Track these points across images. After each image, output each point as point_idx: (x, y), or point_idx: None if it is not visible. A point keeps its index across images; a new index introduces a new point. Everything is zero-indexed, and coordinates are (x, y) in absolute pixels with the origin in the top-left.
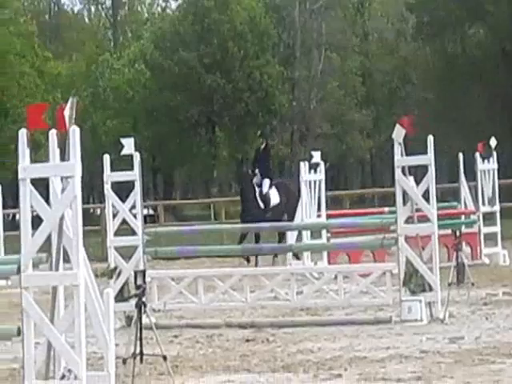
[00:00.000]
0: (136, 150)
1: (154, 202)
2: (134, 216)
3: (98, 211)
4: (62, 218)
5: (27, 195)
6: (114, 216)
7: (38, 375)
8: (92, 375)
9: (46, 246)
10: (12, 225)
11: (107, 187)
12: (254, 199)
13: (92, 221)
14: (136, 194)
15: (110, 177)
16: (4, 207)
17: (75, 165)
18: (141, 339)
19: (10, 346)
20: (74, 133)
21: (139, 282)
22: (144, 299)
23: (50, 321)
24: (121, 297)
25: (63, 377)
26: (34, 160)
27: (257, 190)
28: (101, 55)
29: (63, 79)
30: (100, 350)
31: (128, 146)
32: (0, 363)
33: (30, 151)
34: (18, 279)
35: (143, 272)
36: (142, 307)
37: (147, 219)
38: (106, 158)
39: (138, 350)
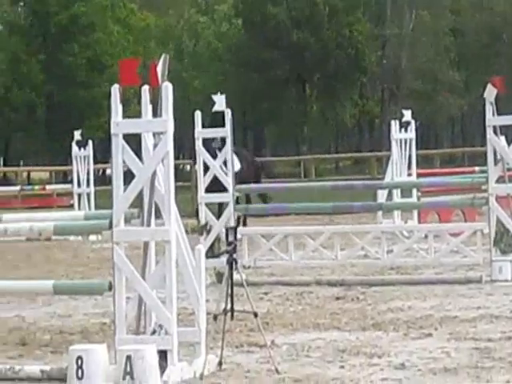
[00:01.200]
0: (227, 106)
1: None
2: (225, 173)
3: (189, 167)
4: (154, 174)
5: (119, 150)
6: (205, 172)
7: (129, 330)
8: (182, 331)
9: (138, 202)
10: (102, 180)
11: (198, 143)
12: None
13: (183, 177)
14: (227, 151)
15: (201, 133)
16: (94, 162)
17: (167, 121)
18: (231, 296)
19: (101, 300)
20: (167, 89)
21: (230, 238)
22: (235, 256)
23: (141, 276)
24: (211, 253)
25: (154, 332)
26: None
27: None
28: (192, 10)
29: (153, 31)
30: (191, 305)
31: (219, 102)
32: (91, 318)
33: (122, 107)
34: (110, 234)
35: (234, 228)
36: (233, 264)
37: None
38: (198, 114)
39: (228, 307)
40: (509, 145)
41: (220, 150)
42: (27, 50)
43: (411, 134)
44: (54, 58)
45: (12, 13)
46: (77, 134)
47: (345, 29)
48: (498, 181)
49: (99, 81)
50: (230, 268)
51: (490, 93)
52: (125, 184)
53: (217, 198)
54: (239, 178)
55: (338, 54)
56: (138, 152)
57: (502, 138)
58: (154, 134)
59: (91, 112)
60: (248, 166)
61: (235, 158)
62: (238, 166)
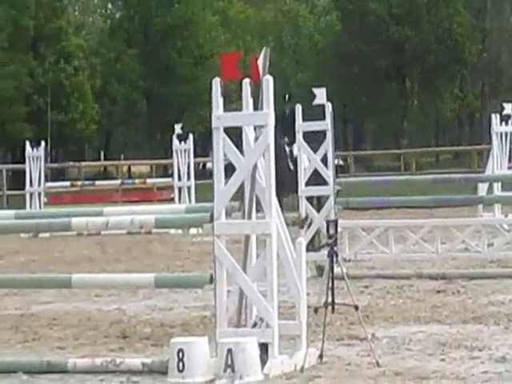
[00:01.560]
0: (327, 100)
1: (344, 152)
2: (325, 166)
3: None
4: (254, 167)
5: (220, 144)
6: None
7: (230, 323)
8: (283, 324)
9: (239, 195)
10: (202, 173)
11: (299, 137)
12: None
13: None
14: (327, 144)
15: (301, 126)
16: (194, 156)
17: (268, 114)
18: (332, 289)
19: (202, 293)
20: (268, 82)
21: (331, 231)
22: (336, 249)
23: (243, 269)
24: (312, 246)
25: (255, 325)
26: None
27: (287, 149)
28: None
29: (252, 24)
30: (291, 299)
31: (320, 95)
32: (192, 311)
33: (223, 100)
34: (211, 227)
35: (335, 221)
36: (334, 257)
37: (337, 169)
38: (298, 107)
39: (329, 300)
40: None
41: (288, 145)
42: (128, 46)
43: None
44: (153, 53)
45: (113, 10)
46: (177, 128)
47: (445, 21)
48: None
49: (199, 74)
50: (331, 261)
51: None
52: (226, 177)
53: (317, 191)
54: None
55: (438, 48)
56: (238, 145)
57: None
58: (254, 128)
59: (191, 105)
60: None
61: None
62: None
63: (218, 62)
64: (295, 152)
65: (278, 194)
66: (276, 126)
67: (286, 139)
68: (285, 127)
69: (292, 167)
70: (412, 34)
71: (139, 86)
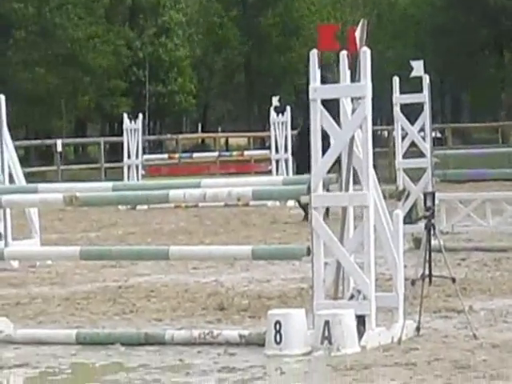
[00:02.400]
0: (424, 72)
1: (441, 124)
2: (423, 138)
3: (386, 133)
4: (352, 139)
5: (317, 116)
6: (403, 138)
7: (327, 295)
8: (380, 296)
9: (336, 167)
10: None
11: (396, 109)
12: None
13: (380, 143)
14: (425, 117)
15: (398, 99)
16: (291, 128)
17: (366, 85)
18: (429, 261)
19: (299, 265)
20: (365, 54)
21: (429, 203)
22: (433, 221)
23: (340, 241)
24: (409, 219)
25: (352, 297)
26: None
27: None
28: None
29: None
30: (388, 271)
31: (417, 68)
32: (289, 282)
33: (320, 72)
34: (308, 199)
35: (433, 194)
36: (431, 229)
37: (435, 142)
38: (396, 80)
39: (426, 272)
40: None
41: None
42: (226, 16)
43: None
44: (252, 22)
45: None
46: (275, 100)
47: None
48: None
49: (294, 45)
50: (428, 233)
51: None
52: (322, 149)
53: (415, 163)
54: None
55: None
56: (334, 117)
57: None
58: (352, 100)
59: (287, 77)
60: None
61: None
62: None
63: (315, 34)
64: None
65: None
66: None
67: None
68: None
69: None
70: (509, 4)
71: (237, 56)
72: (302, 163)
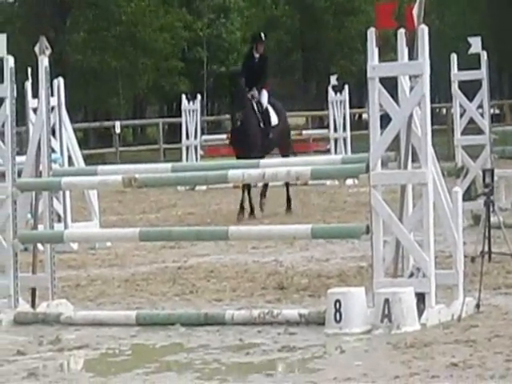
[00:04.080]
0: (483, 48)
1: (499, 101)
2: (481, 115)
3: (444, 111)
4: (410, 117)
5: (376, 94)
6: (461, 115)
7: (386, 273)
8: (440, 273)
9: (395, 145)
10: (358, 124)
11: (454, 86)
12: (256, 120)
13: (438, 120)
14: (483, 93)
15: (456, 76)
16: (350, 107)
17: (424, 63)
18: (489, 238)
19: (358, 244)
20: (423, 31)
21: (487, 180)
22: (492, 198)
23: (399, 219)
24: (468, 196)
25: (411, 275)
26: (381, 59)
27: (254, 104)
28: None
29: None
30: (448, 248)
31: (475, 44)
32: (348, 261)
33: (378, 50)
34: (367, 177)
35: (491, 171)
36: (490, 206)
37: (493, 118)
38: (453, 57)
39: (486, 249)
40: None
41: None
42: None
43: None
44: (305, 4)
45: None
46: (333, 79)
47: None
48: None
49: (351, 23)
50: (487, 210)
51: None
52: (381, 128)
53: (473, 140)
54: (277, 135)
55: None
56: (393, 95)
57: None
58: (410, 77)
59: (345, 54)
60: (283, 122)
61: (272, 110)
62: (275, 120)
63: (371, 12)
64: (264, 103)
65: (248, 155)
66: (239, 76)
67: (255, 91)
68: (250, 77)
69: (262, 124)
70: None
71: (291, 34)
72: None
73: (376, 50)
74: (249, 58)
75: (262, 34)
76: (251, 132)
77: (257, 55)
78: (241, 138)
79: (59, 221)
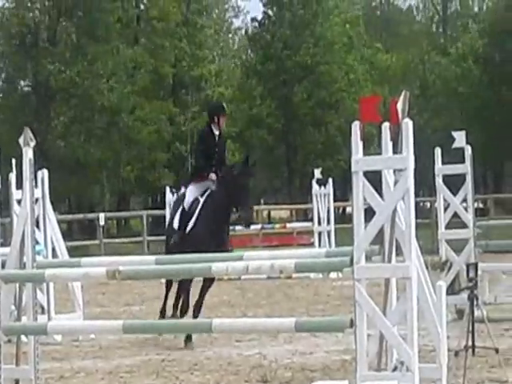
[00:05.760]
0: (467, 143)
1: (483, 195)
2: (465, 209)
3: (428, 204)
4: (394, 211)
5: (360, 188)
6: (445, 209)
7: (370, 367)
8: (424, 367)
9: (378, 238)
10: (341, 218)
11: (438, 180)
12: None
13: (422, 214)
14: (467, 187)
15: (441, 170)
16: (334, 200)
17: (408, 157)
18: (473, 332)
19: (342, 337)
20: (407, 125)
21: (471, 274)
22: (476, 292)
23: (382, 312)
24: (452, 290)
25: (395, 368)
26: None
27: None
28: (430, 50)
29: (392, 72)
30: (431, 342)
31: (459, 139)
32: (332, 355)
33: (362, 144)
34: (351, 271)
35: (475, 265)
36: (474, 300)
37: (477, 212)
38: (438, 151)
39: (469, 343)
40: None
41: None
42: (262, 91)
43: None
44: (287, 98)
45: (251, 55)
46: (317, 172)
47: None
48: None
49: (332, 119)
50: (471, 304)
51: None
52: (365, 221)
53: (457, 234)
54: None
55: None
56: (377, 189)
57: None
58: (394, 171)
59: (327, 150)
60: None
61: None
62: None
63: (353, 105)
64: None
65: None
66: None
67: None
68: (209, 161)
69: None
70: None
71: (275, 130)
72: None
73: (360, 144)
74: (208, 135)
75: (224, 105)
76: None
77: (217, 132)
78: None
79: (43, 312)
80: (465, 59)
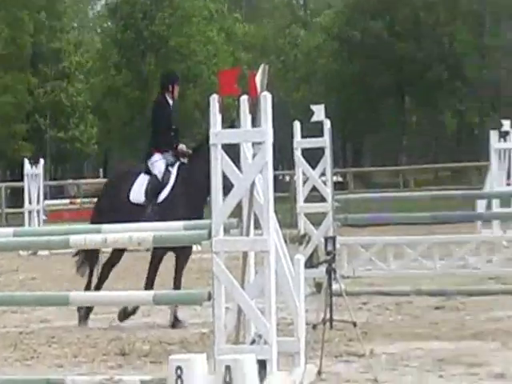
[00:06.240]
0: (326, 116)
1: (342, 169)
2: (324, 183)
3: (287, 178)
4: (253, 184)
5: (218, 161)
6: (304, 182)
7: (228, 340)
8: (282, 340)
9: (237, 212)
10: None
11: (297, 154)
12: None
13: (281, 187)
14: (326, 161)
15: (299, 143)
16: None
17: (266, 130)
18: (331, 305)
19: (200, 310)
20: (266, 99)
21: (329, 248)
22: (334, 266)
23: (241, 286)
24: (310, 263)
25: (253, 342)
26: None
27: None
28: (290, 23)
29: (252, 40)
30: (290, 315)
31: (318, 112)
32: (190, 328)
33: (221, 117)
34: (209, 244)
35: (333, 238)
36: (332, 273)
37: (336, 186)
38: (296, 124)
39: (327, 316)
40: None
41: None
42: (120, 61)
43: (510, 143)
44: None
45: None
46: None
47: (445, 38)
48: None
49: (191, 93)
50: (329, 278)
51: None
52: (224, 194)
53: (316, 208)
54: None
55: (439, 65)
56: (236, 162)
57: None
58: (253, 144)
59: (186, 125)
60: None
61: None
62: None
63: (213, 79)
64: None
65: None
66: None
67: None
68: (168, 133)
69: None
70: (413, 52)
71: (134, 103)
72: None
73: (219, 117)
74: (164, 105)
75: (177, 73)
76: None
77: (171, 102)
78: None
79: None
80: (326, 33)
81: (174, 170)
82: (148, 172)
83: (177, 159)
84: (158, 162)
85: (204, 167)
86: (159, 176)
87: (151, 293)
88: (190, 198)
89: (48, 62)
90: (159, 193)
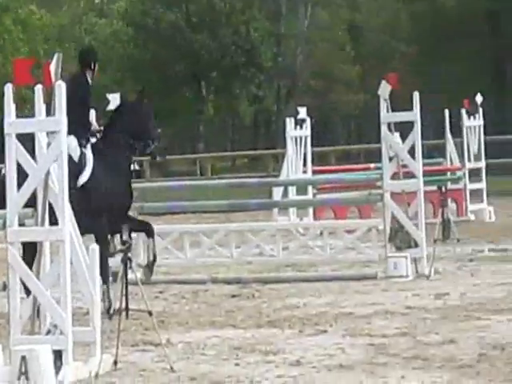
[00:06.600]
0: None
1: (139, 157)
2: None
3: None
4: (47, 174)
5: (13, 150)
6: None
7: (24, 330)
8: (77, 330)
9: (33, 201)
10: None
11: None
12: None
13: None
14: None
15: None
16: None
17: (61, 119)
18: (126, 295)
19: None
20: (60, 87)
21: (125, 237)
22: (130, 255)
23: (36, 276)
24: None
25: (49, 332)
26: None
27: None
28: (87, 12)
29: (49, 30)
30: (85, 305)
31: (113, 101)
32: None
33: (15, 106)
34: (4, 234)
35: (129, 228)
36: (128, 263)
37: (133, 174)
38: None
39: (123, 306)
40: (403, 141)
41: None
42: None
43: (306, 131)
44: None
45: None
46: None
47: (241, 27)
48: (392, 177)
49: None
50: (125, 267)
51: (384, 89)
52: (19, 185)
53: None
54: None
55: (235, 52)
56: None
57: (397, 134)
58: (47, 134)
59: None
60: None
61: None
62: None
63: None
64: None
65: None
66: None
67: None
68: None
69: None
70: (208, 41)
71: None
72: None
73: (13, 106)
74: (86, 85)
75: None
76: None
77: (90, 81)
78: None
79: None
80: (121, 20)
81: (86, 150)
82: None
83: (88, 140)
84: (72, 144)
85: (119, 148)
86: (75, 159)
87: None
88: (114, 172)
89: None
90: (77, 176)
